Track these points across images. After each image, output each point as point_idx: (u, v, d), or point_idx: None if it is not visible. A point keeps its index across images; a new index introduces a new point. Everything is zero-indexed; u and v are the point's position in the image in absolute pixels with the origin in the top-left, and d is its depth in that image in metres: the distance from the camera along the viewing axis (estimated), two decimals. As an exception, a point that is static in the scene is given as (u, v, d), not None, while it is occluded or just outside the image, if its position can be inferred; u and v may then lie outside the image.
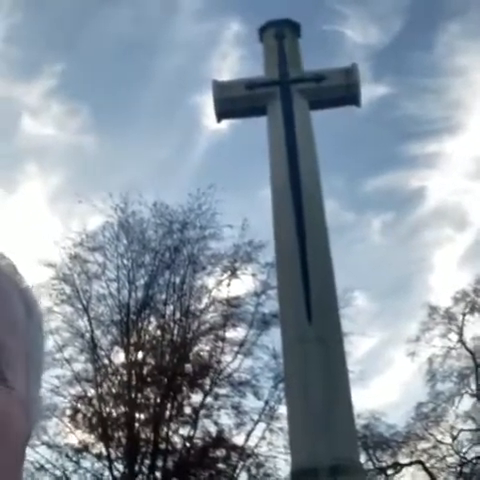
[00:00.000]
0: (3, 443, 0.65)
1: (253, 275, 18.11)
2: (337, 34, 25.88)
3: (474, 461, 20.49)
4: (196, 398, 17.25)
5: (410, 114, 27.88)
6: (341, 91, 8.54)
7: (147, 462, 16.46)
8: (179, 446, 16.88)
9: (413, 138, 30.27)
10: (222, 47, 29.44)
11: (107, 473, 16.45)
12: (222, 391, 17.51)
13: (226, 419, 17.36)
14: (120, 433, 16.66)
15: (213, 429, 17.21)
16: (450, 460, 20.63)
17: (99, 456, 16.56)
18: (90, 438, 16.80)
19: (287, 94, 8.21)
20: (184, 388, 17.25)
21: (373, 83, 23.44)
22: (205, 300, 18.00)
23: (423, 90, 28.27)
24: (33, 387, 0.73)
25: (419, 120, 27.59)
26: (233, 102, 8.50)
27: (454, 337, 21.48)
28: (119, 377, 17.10)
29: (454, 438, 20.72)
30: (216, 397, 17.38)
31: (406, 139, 30.74)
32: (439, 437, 20.81)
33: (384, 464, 20.73)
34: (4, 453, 0.65)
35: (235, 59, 27.00)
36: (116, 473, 16.34)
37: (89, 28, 27.06)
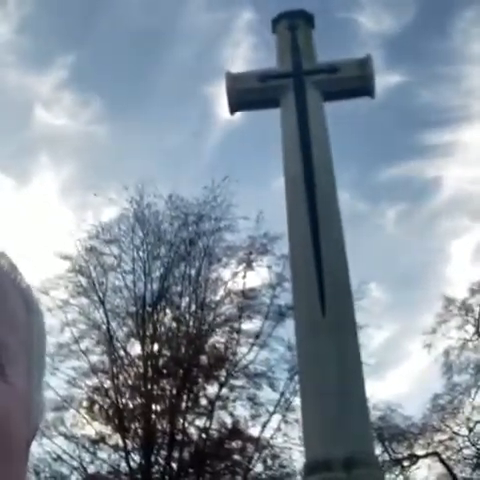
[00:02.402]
0: (3, 442, 0.65)
1: (268, 267, 18.13)
2: (351, 22, 25.68)
3: (491, 453, 20.42)
4: (212, 390, 17.32)
5: (426, 103, 27.63)
6: (355, 82, 8.48)
7: (163, 453, 16.55)
8: (195, 437, 16.96)
9: (429, 127, 30.00)
10: (234, 36, 29.34)
11: (124, 464, 16.58)
12: (238, 383, 17.56)
13: (242, 410, 17.43)
14: (136, 424, 16.76)
15: (229, 420, 17.29)
16: (466, 452, 20.57)
17: (116, 447, 16.68)
18: (107, 429, 16.93)
19: (300, 86, 8.18)
20: (200, 380, 17.31)
21: (388, 71, 23.27)
22: (220, 292, 18.05)
23: (439, 78, 28.03)
24: (35, 386, 0.73)
25: (435, 109, 27.32)
26: (246, 94, 8.47)
27: (471, 329, 21.35)
28: (135, 369, 17.18)
29: (471, 430, 20.64)
30: (232, 389, 17.43)
31: (422, 128, 30.49)
32: (455, 429, 20.74)
33: (400, 456, 20.69)
34: (4, 450, 0.65)
35: (247, 48, 26.93)
36: (132, 464, 16.46)
37: (101, 18, 27.08)
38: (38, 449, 16.13)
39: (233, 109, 8.65)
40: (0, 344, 0.68)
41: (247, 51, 25.66)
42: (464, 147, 31.14)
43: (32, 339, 0.75)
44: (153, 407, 16.81)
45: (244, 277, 17.95)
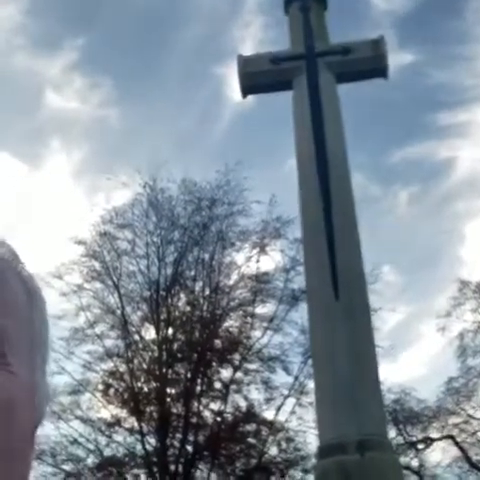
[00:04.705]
0: (8, 429, 0.64)
1: (282, 251, 18.12)
2: (362, 1, 25.40)
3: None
4: (226, 373, 17.40)
5: (439, 83, 27.37)
6: (368, 63, 8.39)
7: (178, 436, 16.67)
8: (210, 420, 17.07)
9: (442, 107, 29.72)
10: (245, 16, 29.14)
11: (139, 447, 16.72)
12: (252, 366, 17.62)
13: (256, 394, 17.50)
14: (152, 408, 16.87)
15: (243, 404, 17.37)
16: (481, 435, 20.57)
17: (131, 430, 16.81)
18: (122, 413, 17.07)
19: (313, 68, 8.10)
20: (214, 363, 17.38)
21: (401, 51, 23.00)
22: (234, 276, 18.08)
23: (452, 58, 27.66)
24: (38, 373, 0.73)
25: (448, 89, 27.04)
26: (258, 77, 8.41)
27: (486, 312, 21.25)
28: (150, 353, 17.28)
29: (485, 413, 20.62)
30: (246, 372, 17.49)
31: (435, 108, 30.21)
32: (470, 412, 20.71)
33: (415, 439, 20.72)
34: (10, 439, 0.65)
35: (258, 28, 26.78)
36: (148, 447, 16.60)
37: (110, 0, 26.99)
38: (54, 432, 16.32)
39: (245, 92, 8.59)
40: (2, 333, 0.67)
41: (258, 31, 25.52)
42: (478, 127, 30.88)
43: (34, 327, 0.74)
44: (168, 391, 16.92)
45: (257, 261, 17.97)
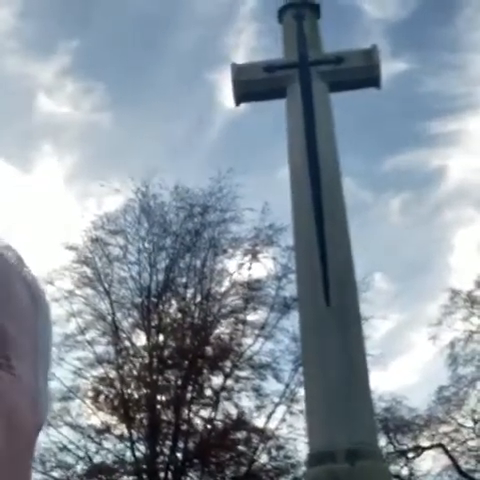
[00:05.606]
0: (11, 435, 0.65)
1: (274, 258, 18.13)
2: (355, 9, 25.51)
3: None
4: (217, 380, 17.36)
5: (430, 91, 27.51)
6: (361, 73, 8.45)
7: (168, 443, 16.61)
8: (200, 428, 17.01)
9: (434, 115, 29.88)
10: (238, 23, 29.21)
11: (129, 454, 16.65)
12: (243, 374, 17.59)
13: (247, 401, 17.46)
14: (142, 415, 16.81)
15: (234, 411, 17.33)
16: (471, 444, 20.57)
17: (121, 437, 16.74)
18: (112, 419, 16.99)
19: (306, 76, 8.15)
20: (205, 370, 17.34)
21: (392, 59, 23.13)
22: (226, 283, 18.07)
23: (444, 66, 27.87)
24: (41, 379, 0.73)
25: (440, 97, 27.18)
26: (252, 85, 8.45)
27: (476, 321, 21.31)
28: (140, 359, 17.23)
29: (476, 422, 20.64)
30: (237, 380, 17.46)
31: (426, 116, 30.37)
32: (460, 421, 20.74)
33: (405, 447, 20.72)
34: (12, 445, 0.65)
35: (251, 35, 26.87)
36: (138, 454, 16.53)
37: (104, 3, 27.02)
38: (44, 439, 16.22)
39: (239, 100, 8.63)
40: (6, 336, 0.67)
41: (251, 38, 25.62)
42: (469, 136, 31.03)
43: (38, 331, 0.74)
44: (158, 397, 16.86)
45: (249, 268, 17.97)
